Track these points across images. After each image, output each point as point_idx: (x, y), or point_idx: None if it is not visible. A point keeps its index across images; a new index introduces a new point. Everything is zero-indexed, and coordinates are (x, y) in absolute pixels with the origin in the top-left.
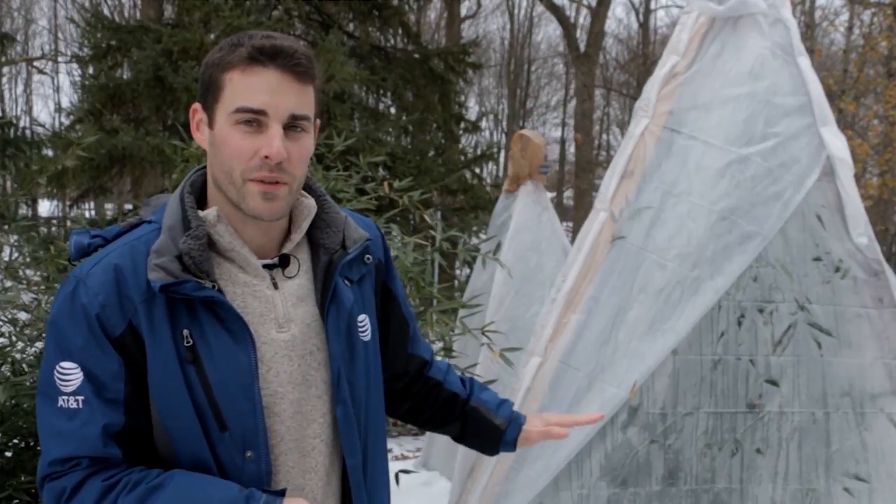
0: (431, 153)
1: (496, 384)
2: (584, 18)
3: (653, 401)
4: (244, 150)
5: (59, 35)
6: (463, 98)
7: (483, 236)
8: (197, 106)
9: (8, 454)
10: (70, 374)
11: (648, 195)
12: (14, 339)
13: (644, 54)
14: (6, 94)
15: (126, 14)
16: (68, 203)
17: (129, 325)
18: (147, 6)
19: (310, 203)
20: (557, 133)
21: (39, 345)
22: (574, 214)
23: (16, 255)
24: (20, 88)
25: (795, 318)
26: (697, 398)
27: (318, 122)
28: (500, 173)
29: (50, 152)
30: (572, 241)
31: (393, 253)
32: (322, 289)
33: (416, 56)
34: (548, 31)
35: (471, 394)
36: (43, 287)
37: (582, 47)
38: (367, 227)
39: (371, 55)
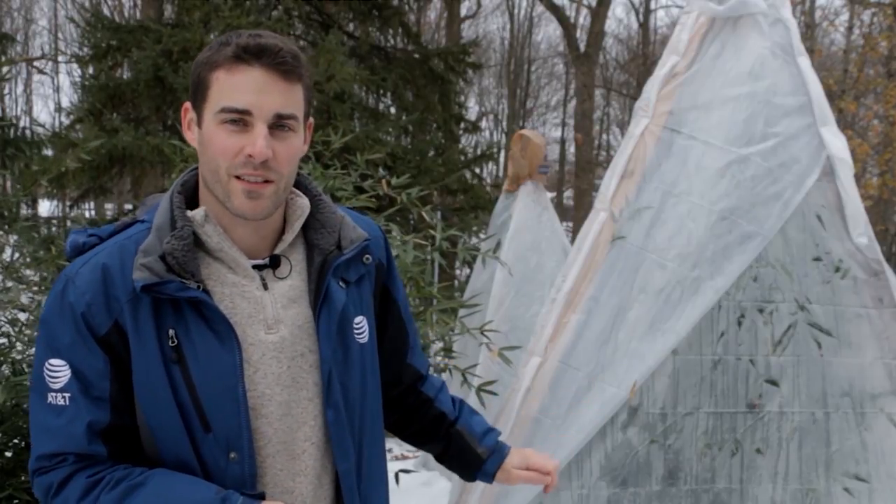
0: (431, 153)
1: (496, 384)
2: (584, 18)
3: (653, 401)
4: (229, 148)
5: (59, 35)
6: (463, 98)
7: (483, 236)
8: (188, 105)
9: (8, 454)
10: (58, 372)
11: (648, 195)
12: (14, 339)
13: (644, 54)
14: (6, 95)
15: (126, 14)
16: (68, 203)
17: (114, 324)
18: (147, 6)
19: (303, 203)
20: (557, 133)
21: None
22: (574, 214)
23: (16, 255)
24: (20, 88)
25: (795, 318)
26: (697, 398)
27: (311, 121)
28: (500, 173)
29: (50, 152)
30: (572, 241)
31: (393, 252)
32: (315, 290)
33: (416, 56)
34: (548, 31)
35: (459, 416)
36: (43, 287)
37: (582, 47)
38: (368, 227)
39: (371, 55)
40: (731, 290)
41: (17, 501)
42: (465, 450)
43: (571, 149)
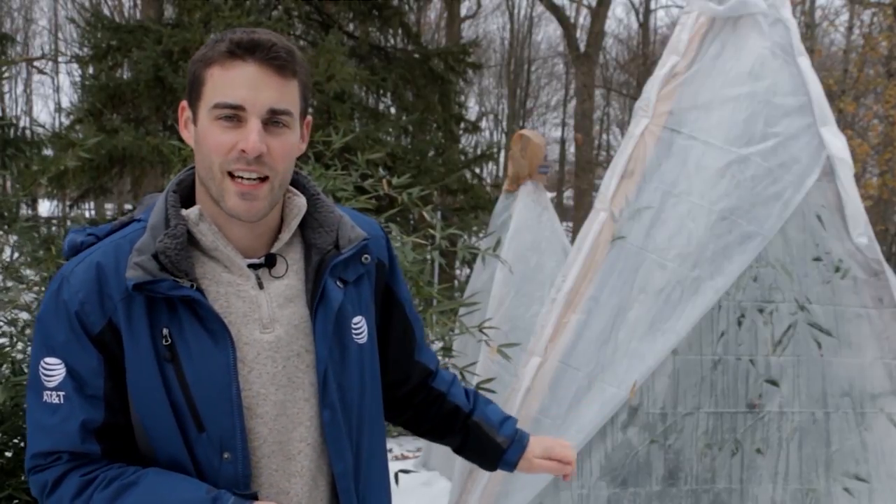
0: (431, 153)
1: (496, 383)
2: (584, 18)
3: (653, 401)
4: (223, 144)
5: (59, 35)
6: (463, 98)
7: (482, 235)
8: (184, 104)
9: (8, 454)
10: (53, 370)
11: (648, 195)
12: (14, 339)
13: (644, 54)
14: (6, 94)
15: (126, 14)
16: (68, 203)
17: (108, 323)
18: (147, 6)
19: (300, 202)
20: (557, 133)
21: None
22: (574, 214)
23: (16, 255)
24: (20, 88)
25: (795, 318)
26: (697, 398)
27: (309, 119)
28: (500, 173)
29: (50, 152)
30: (572, 241)
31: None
32: (312, 289)
33: (416, 56)
34: (548, 31)
35: (474, 408)
36: (44, 287)
37: (582, 47)
38: (369, 227)
39: (371, 55)
40: (731, 290)
41: (16, 501)
42: (483, 441)
43: (571, 149)
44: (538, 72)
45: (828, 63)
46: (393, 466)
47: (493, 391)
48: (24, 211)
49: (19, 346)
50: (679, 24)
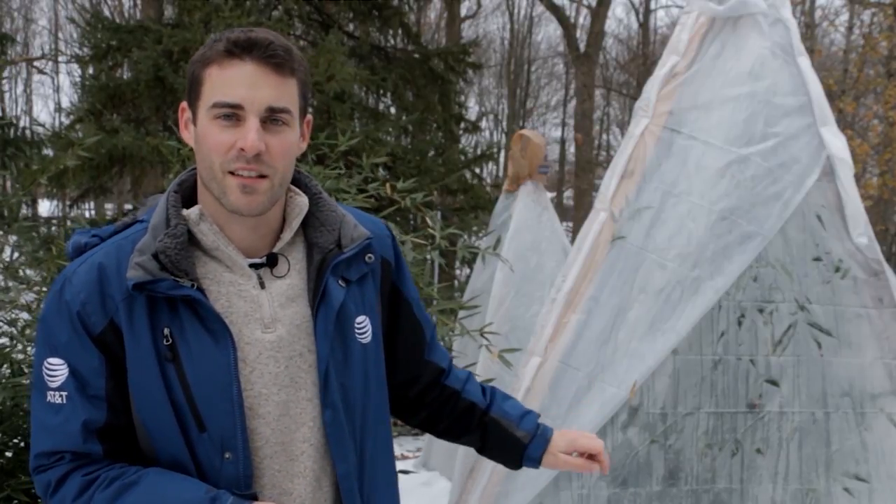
0: (431, 153)
1: (496, 383)
2: (584, 18)
3: (653, 401)
4: (222, 143)
5: (59, 35)
6: (463, 98)
7: (482, 236)
8: (184, 104)
9: (8, 454)
10: (56, 370)
11: (648, 195)
12: (14, 339)
13: (644, 54)
14: (6, 94)
15: (126, 14)
16: (68, 203)
17: (110, 323)
18: (147, 6)
19: (302, 201)
20: (557, 133)
21: None
22: (574, 214)
23: (16, 255)
24: (20, 88)
25: (795, 318)
26: (698, 398)
27: (310, 118)
28: (500, 173)
29: (50, 152)
30: (572, 241)
31: None
32: (314, 288)
33: (416, 56)
34: (548, 31)
35: (490, 404)
36: (45, 287)
37: (582, 47)
38: (374, 226)
39: (371, 55)
40: (731, 290)
41: (16, 502)
42: (503, 437)
43: (571, 149)
44: (538, 72)
45: (828, 63)
46: None
47: None
48: (24, 211)
49: (19, 346)
50: (679, 24)
